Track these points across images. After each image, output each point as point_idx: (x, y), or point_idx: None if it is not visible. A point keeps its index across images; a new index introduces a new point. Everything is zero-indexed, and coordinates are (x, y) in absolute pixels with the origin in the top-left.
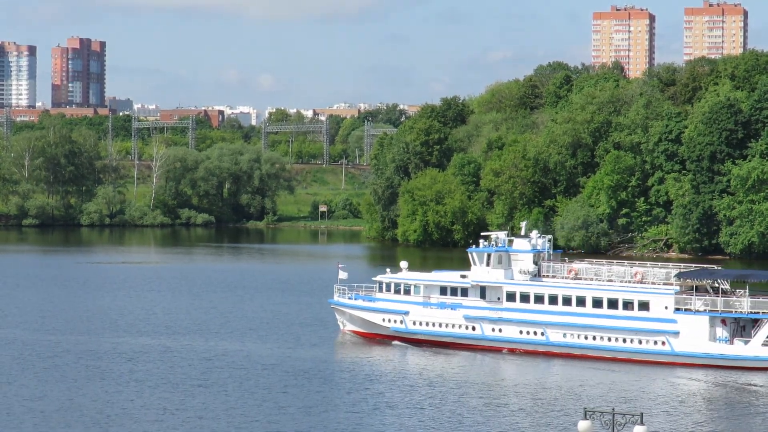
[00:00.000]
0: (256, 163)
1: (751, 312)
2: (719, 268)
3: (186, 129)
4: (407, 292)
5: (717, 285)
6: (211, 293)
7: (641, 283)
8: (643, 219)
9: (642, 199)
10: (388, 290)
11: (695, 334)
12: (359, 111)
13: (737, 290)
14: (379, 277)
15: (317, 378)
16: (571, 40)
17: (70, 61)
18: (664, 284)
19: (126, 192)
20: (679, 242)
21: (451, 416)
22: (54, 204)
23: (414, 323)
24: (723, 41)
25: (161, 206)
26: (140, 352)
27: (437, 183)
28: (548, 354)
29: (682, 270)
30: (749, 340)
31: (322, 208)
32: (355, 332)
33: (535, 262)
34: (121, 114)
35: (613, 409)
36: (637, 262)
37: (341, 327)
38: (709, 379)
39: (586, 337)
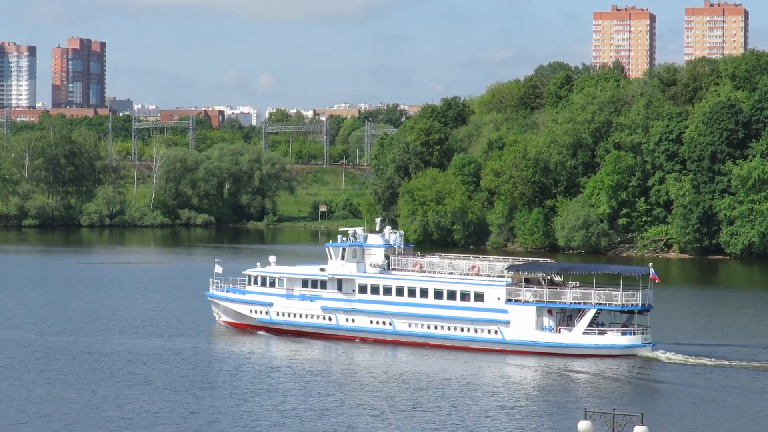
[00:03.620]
0: (256, 163)
1: (573, 303)
2: (550, 261)
3: (186, 129)
4: (272, 284)
5: (550, 277)
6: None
7: (478, 275)
8: (644, 219)
9: (642, 199)
10: (256, 283)
11: (524, 323)
12: (359, 111)
13: (569, 282)
14: (248, 271)
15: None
16: (572, 40)
17: (70, 62)
18: (498, 276)
19: (126, 192)
20: (680, 242)
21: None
22: (54, 204)
23: (277, 314)
24: (723, 41)
25: (161, 206)
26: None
27: (437, 183)
28: (396, 342)
29: (513, 263)
30: (572, 329)
31: (323, 209)
32: (228, 323)
33: (386, 256)
34: (121, 114)
35: (614, 409)
36: (481, 256)
37: (217, 318)
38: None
39: (428, 327)
